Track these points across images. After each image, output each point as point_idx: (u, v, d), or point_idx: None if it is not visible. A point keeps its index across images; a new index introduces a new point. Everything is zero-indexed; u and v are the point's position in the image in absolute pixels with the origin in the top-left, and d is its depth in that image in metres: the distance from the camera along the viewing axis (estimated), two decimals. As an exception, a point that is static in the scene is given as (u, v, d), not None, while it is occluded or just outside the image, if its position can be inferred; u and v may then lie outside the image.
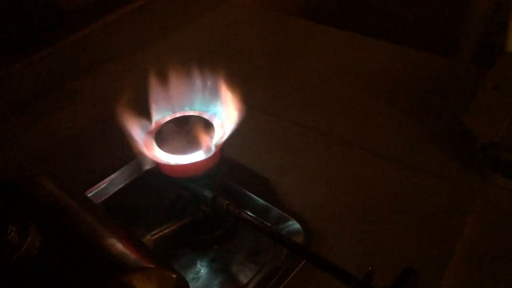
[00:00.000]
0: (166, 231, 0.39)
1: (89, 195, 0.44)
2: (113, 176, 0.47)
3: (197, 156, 0.37)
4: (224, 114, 0.38)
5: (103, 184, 0.46)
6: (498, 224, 0.44)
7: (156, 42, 0.72)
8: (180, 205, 0.44)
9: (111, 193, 0.46)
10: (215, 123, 0.39)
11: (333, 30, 0.75)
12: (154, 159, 0.37)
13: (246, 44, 0.74)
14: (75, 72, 0.64)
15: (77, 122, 0.56)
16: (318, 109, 0.59)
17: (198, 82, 0.39)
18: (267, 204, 0.45)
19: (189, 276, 0.41)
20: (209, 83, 0.38)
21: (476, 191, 0.47)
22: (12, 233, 0.27)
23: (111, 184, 0.46)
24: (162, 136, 0.37)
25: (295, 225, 0.43)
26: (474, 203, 0.46)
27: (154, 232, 0.38)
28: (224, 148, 0.39)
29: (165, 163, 0.37)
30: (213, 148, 0.37)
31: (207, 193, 0.39)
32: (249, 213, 0.38)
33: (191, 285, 0.36)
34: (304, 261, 0.39)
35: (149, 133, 0.38)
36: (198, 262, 0.42)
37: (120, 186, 0.47)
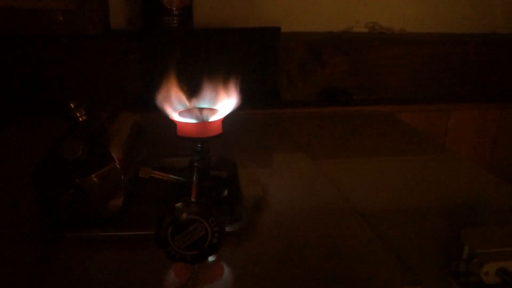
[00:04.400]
0: (162, 177, 0.58)
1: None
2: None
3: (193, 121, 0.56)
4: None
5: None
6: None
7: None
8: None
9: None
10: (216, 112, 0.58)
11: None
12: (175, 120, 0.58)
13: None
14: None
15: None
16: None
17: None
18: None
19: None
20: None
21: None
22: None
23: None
24: (184, 112, 0.59)
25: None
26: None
27: (157, 171, 0.58)
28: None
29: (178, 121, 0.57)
30: (208, 119, 0.56)
31: (194, 157, 0.57)
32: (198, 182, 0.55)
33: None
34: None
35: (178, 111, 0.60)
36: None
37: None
